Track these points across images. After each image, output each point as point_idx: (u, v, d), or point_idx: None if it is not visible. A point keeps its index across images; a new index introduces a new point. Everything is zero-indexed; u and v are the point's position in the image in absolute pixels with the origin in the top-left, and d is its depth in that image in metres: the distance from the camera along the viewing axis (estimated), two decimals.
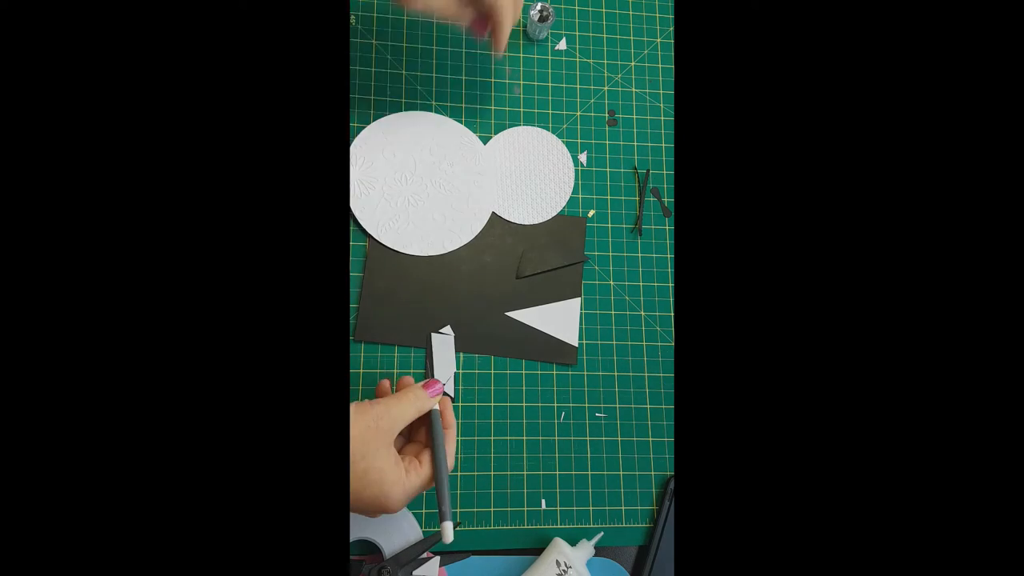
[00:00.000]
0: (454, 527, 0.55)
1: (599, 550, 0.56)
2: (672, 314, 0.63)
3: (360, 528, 0.53)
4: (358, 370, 0.58)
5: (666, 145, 0.68)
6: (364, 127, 0.63)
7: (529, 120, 0.66)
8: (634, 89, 0.69)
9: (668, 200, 0.66)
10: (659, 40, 0.70)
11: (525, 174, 0.65)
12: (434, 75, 0.66)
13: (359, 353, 0.59)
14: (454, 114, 0.65)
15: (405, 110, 0.64)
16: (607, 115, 0.67)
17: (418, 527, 0.54)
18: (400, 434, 0.51)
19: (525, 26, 0.68)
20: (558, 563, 0.52)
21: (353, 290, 0.60)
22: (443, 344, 0.59)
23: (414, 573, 0.51)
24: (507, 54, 0.67)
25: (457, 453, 0.57)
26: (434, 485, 0.48)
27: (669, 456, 0.60)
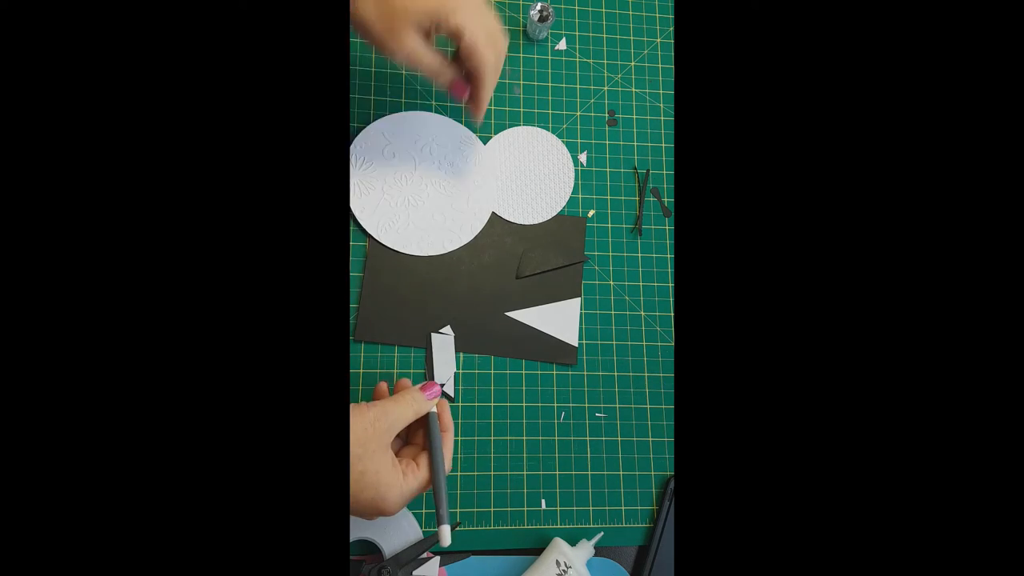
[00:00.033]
0: (454, 528, 0.55)
1: (599, 550, 0.56)
2: (672, 314, 0.63)
3: (360, 528, 0.53)
4: (358, 370, 0.58)
5: (666, 145, 0.68)
6: (364, 127, 0.63)
7: (529, 120, 0.66)
8: (634, 89, 0.69)
9: (668, 200, 0.66)
10: (659, 40, 0.70)
11: (525, 174, 0.65)
12: None
13: (359, 353, 0.59)
14: (454, 114, 0.65)
15: (405, 110, 0.64)
16: (607, 115, 0.67)
17: (418, 527, 0.54)
18: (398, 436, 0.51)
19: (525, 26, 0.68)
20: (558, 563, 0.52)
21: (353, 290, 0.60)
22: (443, 344, 0.59)
23: (414, 573, 0.51)
24: (507, 54, 0.67)
25: (457, 453, 0.57)
26: (431, 488, 0.48)
27: (669, 456, 0.60)
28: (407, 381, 0.51)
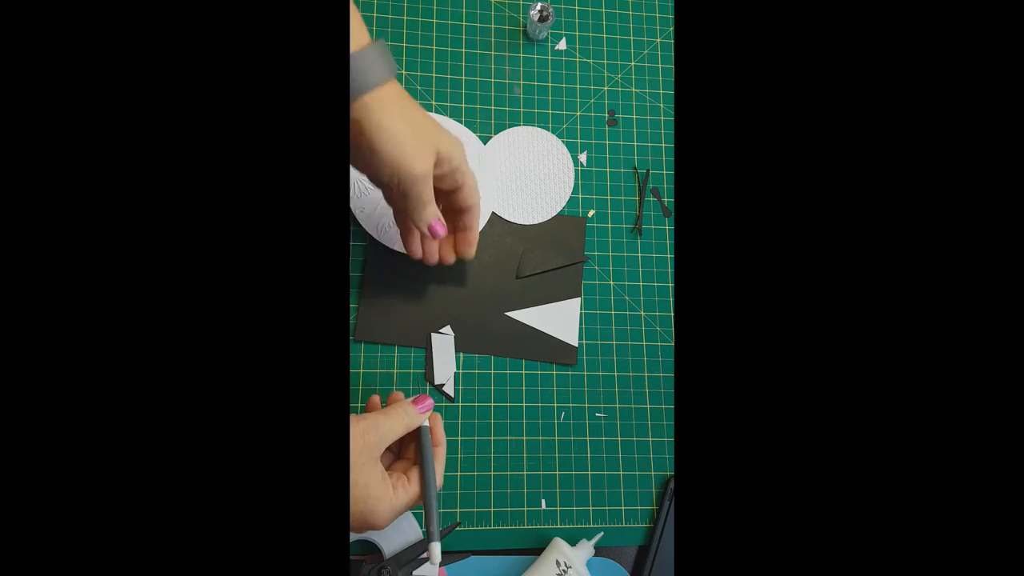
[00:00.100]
0: (453, 529, 0.55)
1: (599, 550, 0.56)
2: (672, 314, 0.63)
3: None
4: (358, 370, 0.58)
5: (666, 145, 0.68)
6: None
7: (529, 120, 0.66)
8: (634, 89, 0.69)
9: (668, 200, 0.66)
10: (659, 40, 0.70)
11: (525, 174, 0.65)
12: (434, 75, 0.66)
13: (359, 353, 0.59)
14: (454, 114, 0.65)
15: None
16: (607, 115, 0.67)
17: (418, 527, 0.54)
18: (390, 450, 0.51)
19: (525, 26, 0.68)
20: (558, 563, 0.52)
21: (353, 290, 0.60)
22: (443, 344, 0.59)
23: (414, 573, 0.51)
24: (507, 54, 0.67)
25: (457, 453, 0.57)
26: (422, 504, 0.47)
27: (669, 456, 0.60)
28: (400, 394, 0.51)
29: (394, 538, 0.53)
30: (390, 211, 0.55)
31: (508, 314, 0.61)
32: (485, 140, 0.65)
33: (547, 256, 0.63)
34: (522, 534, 0.57)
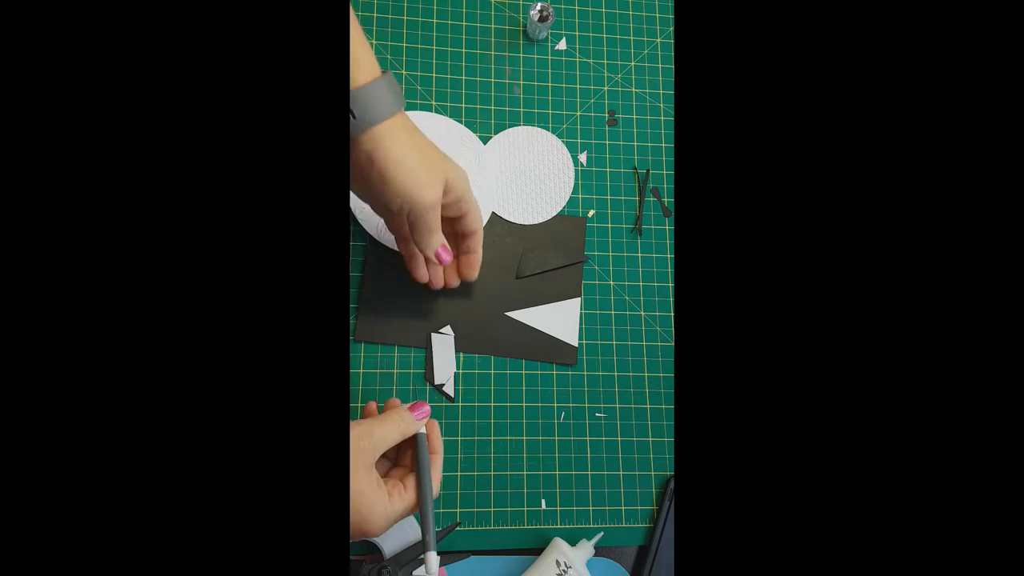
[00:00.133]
0: (453, 529, 0.55)
1: (599, 550, 0.56)
2: (672, 314, 0.63)
3: None
4: (358, 370, 0.58)
5: (666, 145, 0.68)
6: None
7: (529, 120, 0.66)
8: (634, 89, 0.69)
9: (668, 200, 0.66)
10: (659, 40, 0.70)
11: (525, 174, 0.65)
12: (434, 75, 0.66)
13: (359, 353, 0.59)
14: (454, 114, 0.65)
15: (405, 110, 0.64)
16: (607, 115, 0.67)
17: (418, 527, 0.54)
18: (387, 458, 0.51)
19: (525, 26, 0.68)
20: (558, 563, 0.52)
21: (353, 290, 0.60)
22: (443, 344, 0.59)
23: (414, 573, 0.51)
24: (507, 54, 0.67)
25: (457, 453, 0.57)
26: (418, 512, 0.47)
27: (669, 456, 0.60)
28: (396, 401, 0.51)
29: (394, 538, 0.53)
30: None
31: (508, 314, 0.61)
32: (485, 140, 0.65)
33: (547, 256, 0.63)
34: (522, 534, 0.57)
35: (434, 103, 0.65)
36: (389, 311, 0.60)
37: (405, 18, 0.66)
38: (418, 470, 0.48)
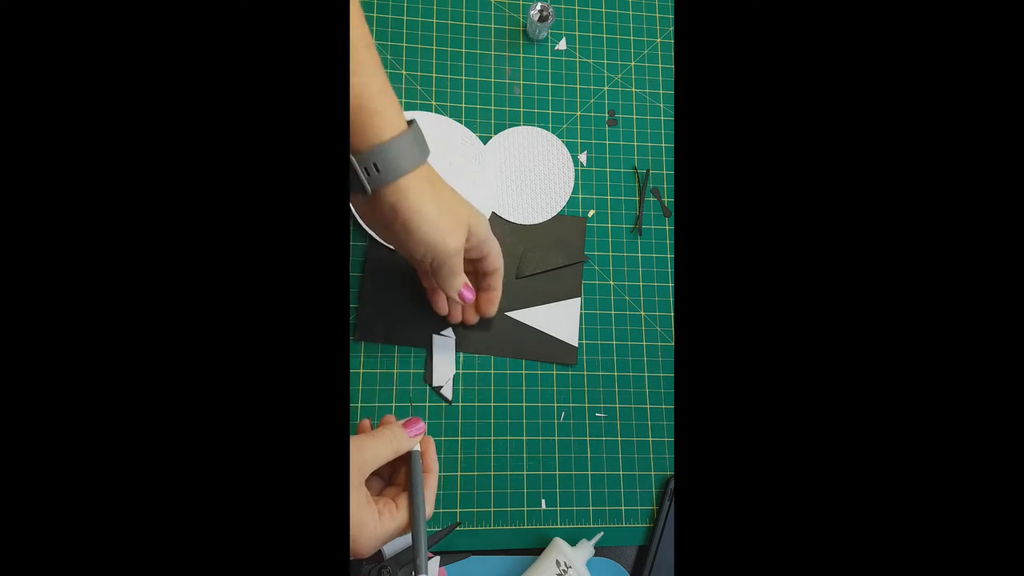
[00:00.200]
0: (453, 529, 0.55)
1: (599, 550, 0.56)
2: (672, 314, 0.63)
3: None
4: (358, 370, 0.58)
5: (666, 145, 0.68)
6: None
7: (529, 120, 0.66)
8: (634, 89, 0.69)
9: (668, 200, 0.66)
10: (659, 40, 0.70)
11: (525, 174, 0.65)
12: (434, 75, 0.66)
13: (359, 353, 0.59)
14: (454, 114, 0.65)
15: (405, 110, 0.64)
16: (607, 115, 0.67)
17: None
18: (380, 476, 0.50)
19: (525, 26, 0.68)
20: (558, 563, 0.52)
21: (353, 290, 0.60)
22: (443, 346, 0.59)
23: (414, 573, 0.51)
24: (507, 54, 0.67)
25: (457, 453, 0.57)
26: (410, 532, 0.45)
27: (669, 456, 0.60)
28: (391, 417, 0.51)
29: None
30: None
31: (508, 314, 0.61)
32: (485, 140, 0.65)
33: (547, 256, 0.63)
34: (522, 534, 0.57)
35: (434, 103, 0.65)
36: (389, 311, 0.60)
37: (405, 18, 0.66)
38: (410, 489, 0.46)
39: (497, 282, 0.57)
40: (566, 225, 0.64)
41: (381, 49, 0.65)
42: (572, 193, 0.65)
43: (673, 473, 0.60)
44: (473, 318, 0.59)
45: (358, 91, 0.43)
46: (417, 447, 0.48)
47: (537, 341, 0.61)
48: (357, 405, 0.57)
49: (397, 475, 0.50)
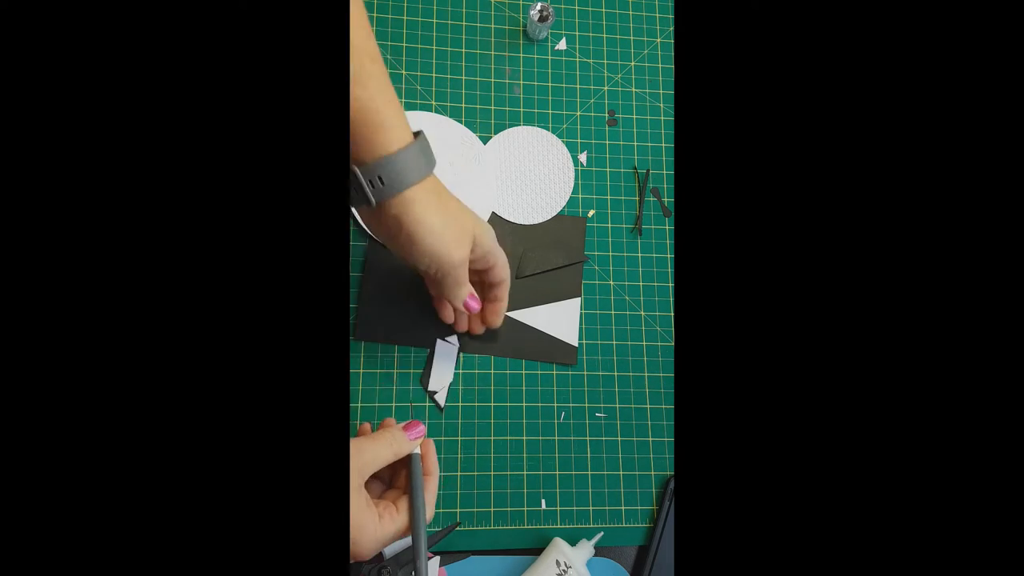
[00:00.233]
0: (453, 528, 0.55)
1: (599, 550, 0.56)
2: (672, 314, 0.63)
3: None
4: (358, 370, 0.58)
5: (666, 145, 0.68)
6: None
7: (529, 120, 0.66)
8: (634, 89, 0.69)
9: (668, 200, 0.66)
10: (659, 40, 0.70)
11: (525, 174, 0.65)
12: (434, 75, 0.66)
13: (359, 353, 0.59)
14: (454, 114, 0.65)
15: (405, 110, 0.64)
16: (607, 115, 0.67)
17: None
18: (380, 480, 0.50)
19: (525, 26, 0.68)
20: (558, 563, 0.52)
21: (353, 290, 0.60)
22: (445, 352, 0.59)
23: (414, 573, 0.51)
24: (507, 54, 0.67)
25: (457, 453, 0.57)
26: (410, 535, 0.45)
27: (669, 456, 0.60)
28: (391, 420, 0.51)
29: None
30: None
31: (508, 314, 0.61)
32: (485, 140, 0.65)
33: (547, 256, 0.63)
34: (522, 534, 0.57)
35: (434, 103, 0.65)
36: (389, 311, 0.60)
37: (405, 18, 0.66)
38: (411, 492, 0.47)
39: (503, 293, 0.57)
40: (566, 225, 0.64)
41: (381, 49, 0.65)
42: (572, 193, 0.65)
43: (673, 473, 0.60)
44: (479, 328, 0.59)
45: (364, 103, 0.43)
46: (417, 450, 0.48)
47: (537, 341, 0.61)
48: (357, 405, 0.57)
49: (397, 478, 0.50)
